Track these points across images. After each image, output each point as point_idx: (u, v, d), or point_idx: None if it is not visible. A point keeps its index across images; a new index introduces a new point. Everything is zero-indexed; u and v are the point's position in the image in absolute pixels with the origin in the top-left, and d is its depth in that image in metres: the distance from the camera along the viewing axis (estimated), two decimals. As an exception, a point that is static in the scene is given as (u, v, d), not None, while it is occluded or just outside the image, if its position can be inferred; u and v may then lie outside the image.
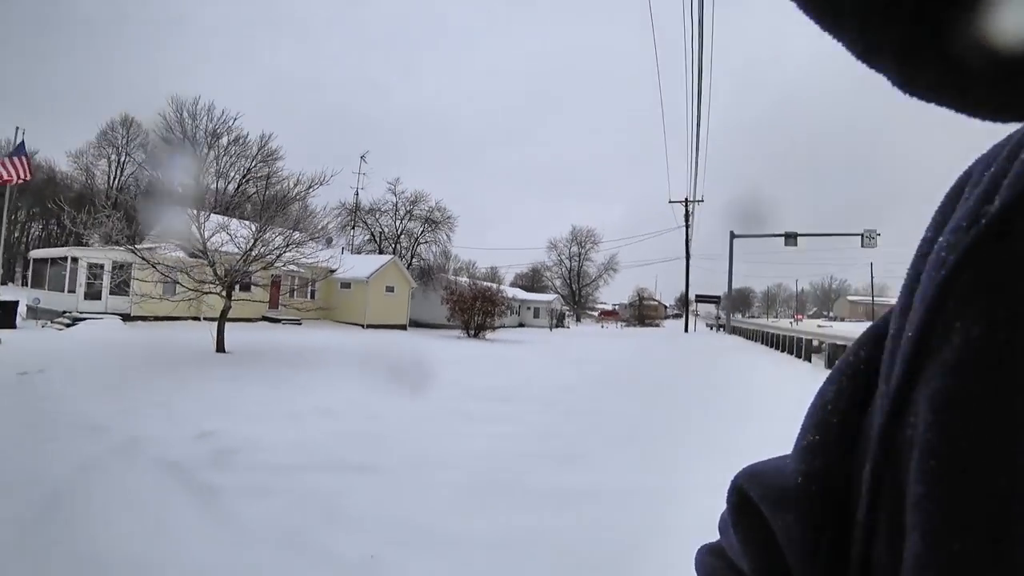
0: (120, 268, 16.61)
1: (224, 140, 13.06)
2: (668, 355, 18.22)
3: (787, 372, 12.55)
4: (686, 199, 34.96)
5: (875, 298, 68.37)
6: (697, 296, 45.16)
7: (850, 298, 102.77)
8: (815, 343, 15.40)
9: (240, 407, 6.80)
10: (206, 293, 12.43)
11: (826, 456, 0.29)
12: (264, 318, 22.67)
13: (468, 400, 7.97)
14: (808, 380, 11.54)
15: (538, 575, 2.94)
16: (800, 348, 15.82)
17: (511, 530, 3.44)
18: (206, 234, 12.26)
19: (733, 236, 32.03)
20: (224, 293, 12.50)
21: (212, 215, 13.18)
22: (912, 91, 0.22)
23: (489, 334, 25.53)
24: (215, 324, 12.48)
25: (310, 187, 13.31)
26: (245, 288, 14.88)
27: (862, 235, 29.25)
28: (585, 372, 12.59)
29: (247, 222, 13.38)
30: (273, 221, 12.54)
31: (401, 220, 35.06)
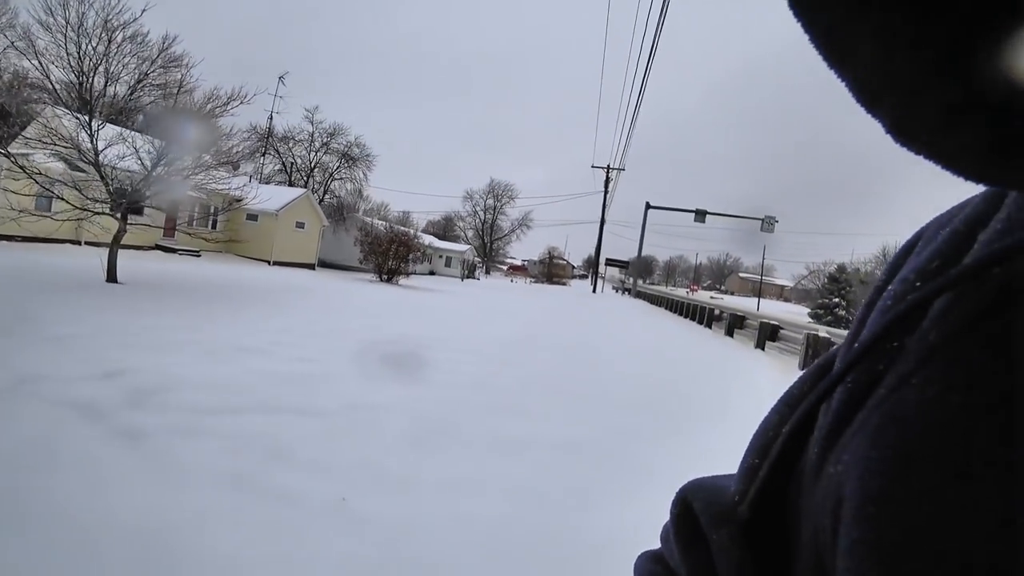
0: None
1: (119, 36, 11.21)
2: (585, 314, 18.89)
3: (693, 335, 13.50)
4: (608, 165, 35.79)
5: (763, 277, 74.98)
6: (608, 260, 46.90)
7: (741, 275, 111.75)
8: (716, 312, 16.67)
9: (147, 343, 6.21)
10: (97, 213, 11.04)
11: (764, 481, 0.29)
12: (157, 247, 20.68)
13: (388, 346, 7.84)
14: (711, 343, 12.53)
15: (493, 514, 3.00)
16: (702, 315, 17.04)
17: (465, 473, 3.49)
18: (99, 144, 10.79)
19: (648, 207, 33.38)
20: (119, 215, 11.20)
21: (107, 124, 11.57)
22: (906, 142, 0.21)
23: (402, 280, 25.09)
24: (99, 250, 11.13)
25: (228, 104, 11.99)
26: (137, 212, 13.33)
27: (763, 220, 31.63)
28: (510, 328, 12.76)
29: (149, 136, 11.87)
30: (186, 137, 11.27)
31: (316, 152, 32.89)
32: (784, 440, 0.29)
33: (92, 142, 10.77)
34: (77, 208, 10.94)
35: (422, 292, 21.24)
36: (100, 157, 10.93)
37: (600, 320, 16.59)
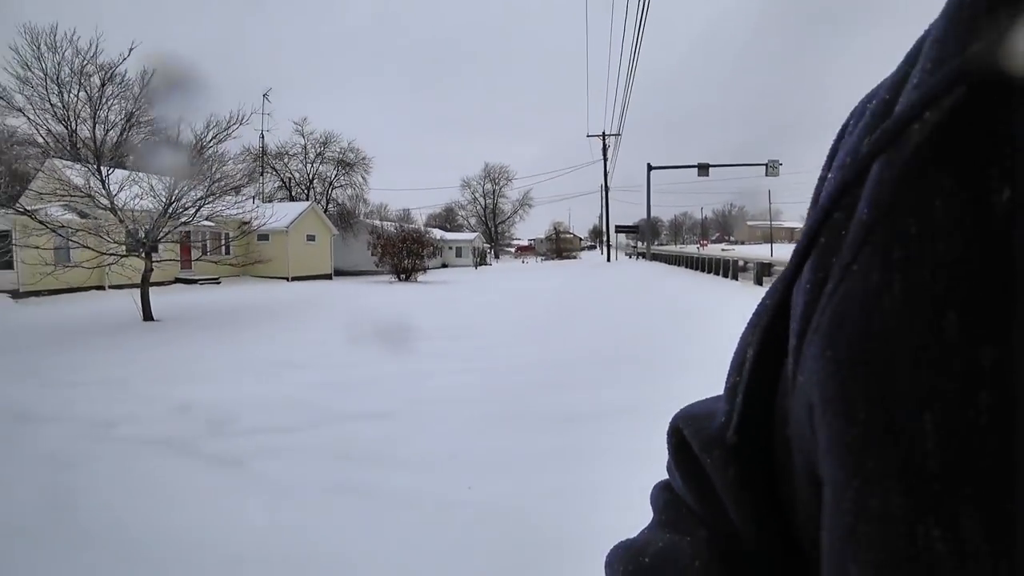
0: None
1: (96, 79, 11.10)
2: (606, 283, 18.86)
3: (724, 290, 13.47)
4: (603, 132, 35.44)
5: (772, 222, 74.09)
6: (617, 227, 46.63)
7: (749, 223, 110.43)
8: (740, 263, 16.56)
9: (203, 373, 6.35)
10: (124, 256, 11.18)
11: (747, 396, 0.29)
12: (177, 280, 20.92)
13: (434, 341, 7.92)
14: (743, 295, 12.45)
15: (574, 472, 3.07)
16: (726, 269, 16.95)
17: (539, 445, 3.55)
18: (112, 188, 10.90)
19: (650, 168, 33.03)
20: (143, 254, 11.34)
21: (114, 168, 11.66)
22: None
23: (420, 276, 25.19)
24: (125, 292, 11.28)
25: (228, 128, 12.02)
26: (154, 248, 13.46)
27: (766, 165, 31.18)
28: (542, 305, 12.79)
29: (157, 174, 11.95)
30: (193, 169, 11.34)
31: (312, 163, 32.87)
32: (754, 355, 0.28)
33: (105, 187, 10.88)
34: (102, 254, 11.08)
35: (441, 286, 21.35)
36: (115, 201, 11.04)
37: (629, 289, 16.54)
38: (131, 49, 11.11)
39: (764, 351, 0.28)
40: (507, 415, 4.43)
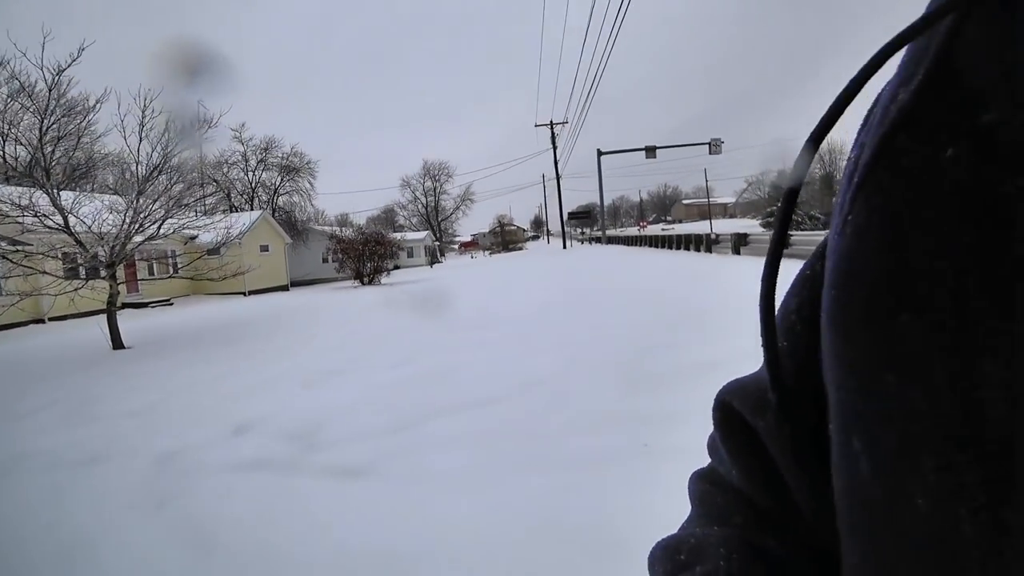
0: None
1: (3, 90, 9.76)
2: (592, 265, 18.84)
3: (711, 261, 13.77)
4: (551, 121, 35.56)
5: (709, 200, 77.02)
6: (570, 214, 47.04)
7: (685, 202, 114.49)
8: (714, 236, 17.09)
9: (227, 393, 5.80)
10: (88, 279, 10.14)
11: (794, 359, 0.31)
12: (125, 305, 19.36)
13: (468, 331, 7.60)
14: (734, 262, 12.78)
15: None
16: (698, 243, 17.44)
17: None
18: (63, 204, 9.86)
19: (600, 153, 33.49)
20: (108, 275, 10.36)
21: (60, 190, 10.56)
22: None
23: (384, 279, 24.52)
24: (70, 323, 10.26)
25: (204, 129, 11.12)
26: (92, 274, 12.15)
27: (709, 144, 32.31)
28: (546, 290, 12.58)
29: (108, 196, 10.90)
30: (157, 182, 10.44)
31: (254, 171, 31.21)
32: (808, 319, 0.30)
33: (59, 209, 9.83)
34: (63, 279, 10.04)
35: (407, 285, 20.77)
36: (70, 221, 10.00)
37: (623, 267, 16.57)
38: (57, 74, 9.88)
39: (814, 313, 0.29)
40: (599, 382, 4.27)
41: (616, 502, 2.52)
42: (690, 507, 0.39)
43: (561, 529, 2.35)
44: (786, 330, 0.32)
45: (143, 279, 16.84)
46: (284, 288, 25.79)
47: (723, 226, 56.83)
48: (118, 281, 10.41)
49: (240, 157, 30.86)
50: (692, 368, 4.42)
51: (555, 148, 36.09)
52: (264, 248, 24.93)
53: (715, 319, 6.13)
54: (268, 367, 7.02)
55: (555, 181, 39.28)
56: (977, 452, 0.20)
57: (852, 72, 0.25)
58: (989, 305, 0.20)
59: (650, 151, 33.28)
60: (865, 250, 0.23)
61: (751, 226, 52.38)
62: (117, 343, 10.26)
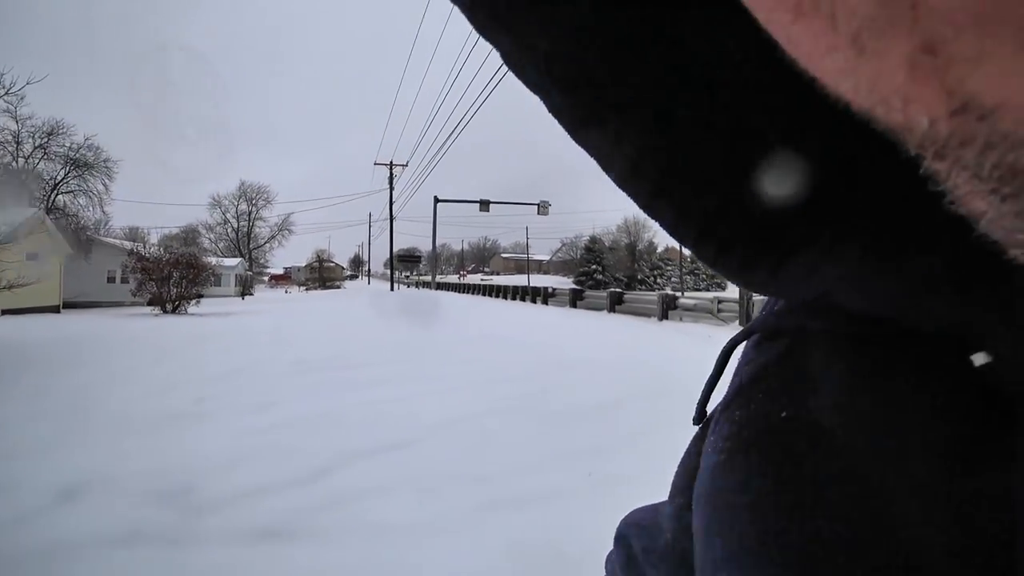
0: None
1: None
2: (424, 311, 18.76)
3: (552, 314, 14.94)
4: (391, 162, 35.65)
5: (529, 256, 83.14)
6: (399, 256, 46.81)
7: (503, 255, 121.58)
8: (550, 290, 18.61)
9: (36, 441, 4.76)
10: None
11: (676, 524, 0.32)
12: None
13: (327, 371, 7.25)
14: (573, 317, 14.05)
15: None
16: (535, 295, 18.85)
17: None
18: None
19: (437, 200, 34.46)
20: None
21: None
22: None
23: (192, 307, 21.64)
24: None
25: None
26: None
27: (538, 205, 35.44)
28: (396, 336, 12.16)
29: None
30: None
31: (28, 158, 25.57)
32: (677, 493, 0.32)
33: None
34: None
35: (228, 318, 18.54)
36: None
37: (473, 314, 16.88)
38: None
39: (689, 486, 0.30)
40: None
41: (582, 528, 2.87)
42: None
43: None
44: (684, 488, 0.31)
45: None
46: (55, 309, 21.26)
47: (540, 280, 61.77)
48: None
49: (11, 137, 25.09)
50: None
51: (392, 189, 36.26)
52: (32, 256, 20.39)
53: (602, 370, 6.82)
54: (81, 411, 5.57)
55: (383, 221, 39.22)
56: None
57: None
58: None
59: (484, 204, 35.24)
60: (718, 482, 0.25)
61: (564, 282, 57.74)
62: None
